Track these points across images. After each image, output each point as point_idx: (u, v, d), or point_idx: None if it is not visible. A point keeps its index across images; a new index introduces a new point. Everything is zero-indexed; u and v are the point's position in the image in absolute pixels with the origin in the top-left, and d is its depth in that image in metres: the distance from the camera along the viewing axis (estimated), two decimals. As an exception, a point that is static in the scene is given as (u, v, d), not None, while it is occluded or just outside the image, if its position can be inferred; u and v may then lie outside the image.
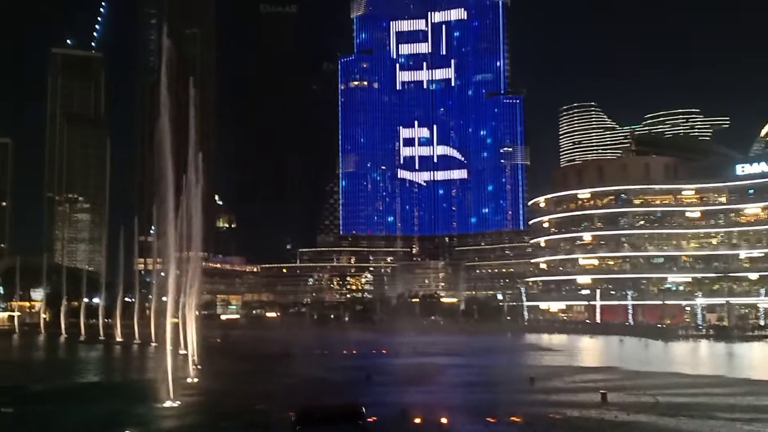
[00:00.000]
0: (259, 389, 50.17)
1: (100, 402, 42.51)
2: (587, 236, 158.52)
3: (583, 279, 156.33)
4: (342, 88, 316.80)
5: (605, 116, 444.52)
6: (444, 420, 35.69)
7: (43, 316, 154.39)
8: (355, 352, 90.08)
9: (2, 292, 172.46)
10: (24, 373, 65.21)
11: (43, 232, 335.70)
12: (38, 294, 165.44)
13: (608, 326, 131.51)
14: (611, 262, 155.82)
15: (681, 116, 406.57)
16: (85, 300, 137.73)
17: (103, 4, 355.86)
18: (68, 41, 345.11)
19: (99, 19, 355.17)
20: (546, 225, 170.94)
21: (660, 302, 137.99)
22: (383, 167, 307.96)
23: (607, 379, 53.94)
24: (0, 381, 56.03)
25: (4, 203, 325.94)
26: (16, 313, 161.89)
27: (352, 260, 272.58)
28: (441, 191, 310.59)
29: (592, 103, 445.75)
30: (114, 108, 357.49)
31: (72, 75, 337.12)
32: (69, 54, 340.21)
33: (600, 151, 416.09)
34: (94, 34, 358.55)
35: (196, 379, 52.13)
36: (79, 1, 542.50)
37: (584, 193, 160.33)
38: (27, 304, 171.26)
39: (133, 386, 48.11)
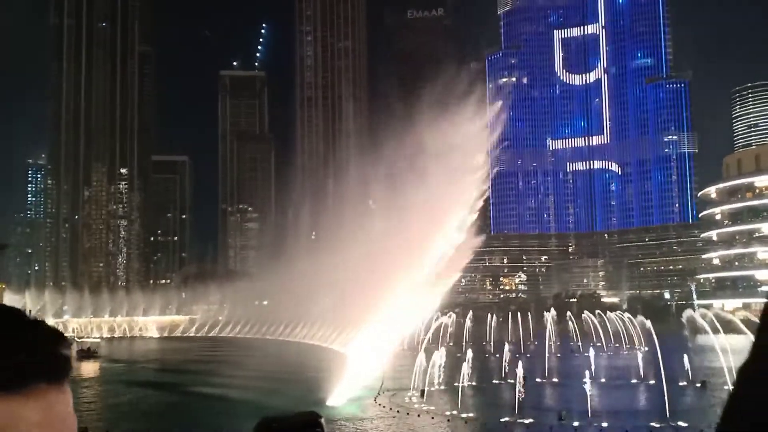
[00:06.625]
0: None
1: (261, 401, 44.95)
2: (767, 227, 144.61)
3: (764, 274, 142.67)
4: (490, 86, 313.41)
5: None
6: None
7: (219, 317, 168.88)
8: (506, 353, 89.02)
9: (184, 296, 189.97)
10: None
11: (217, 241, 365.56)
12: (216, 297, 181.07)
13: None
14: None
15: None
16: (256, 302, 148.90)
17: (264, 26, 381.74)
18: (234, 63, 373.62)
19: (261, 40, 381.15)
20: (718, 217, 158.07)
21: None
22: (534, 164, 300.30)
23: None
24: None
25: (184, 216, 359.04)
26: (196, 316, 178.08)
27: (505, 260, 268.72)
28: (598, 185, 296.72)
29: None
30: (276, 122, 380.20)
31: (238, 94, 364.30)
32: (235, 75, 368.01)
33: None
34: (257, 54, 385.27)
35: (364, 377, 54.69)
36: (242, 25, 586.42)
37: (763, 180, 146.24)
38: (206, 306, 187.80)
39: (307, 383, 50.79)
